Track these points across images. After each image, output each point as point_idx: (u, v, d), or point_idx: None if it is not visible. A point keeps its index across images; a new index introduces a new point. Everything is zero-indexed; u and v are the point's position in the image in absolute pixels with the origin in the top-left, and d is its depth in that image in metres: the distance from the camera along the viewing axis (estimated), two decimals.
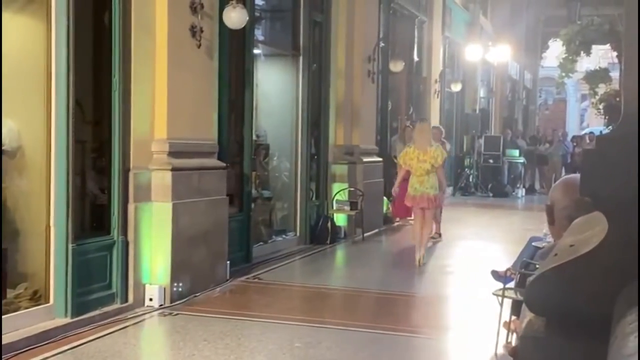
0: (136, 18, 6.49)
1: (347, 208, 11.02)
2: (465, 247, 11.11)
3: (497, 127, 24.18)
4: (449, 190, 9.98)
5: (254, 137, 9.35)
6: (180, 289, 6.88)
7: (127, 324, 6.19)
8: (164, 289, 6.74)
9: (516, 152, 20.70)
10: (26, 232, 6.05)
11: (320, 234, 10.50)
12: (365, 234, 11.13)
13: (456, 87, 18.65)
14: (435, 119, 15.98)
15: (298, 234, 10.38)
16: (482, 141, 20.26)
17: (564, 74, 20.08)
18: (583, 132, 26.51)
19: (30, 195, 6.07)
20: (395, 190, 9.85)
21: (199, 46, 7.07)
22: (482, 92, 23.07)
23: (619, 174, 1.55)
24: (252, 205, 8.93)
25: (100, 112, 6.58)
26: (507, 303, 5.23)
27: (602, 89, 19.50)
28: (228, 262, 7.75)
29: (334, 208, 11.04)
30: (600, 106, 18.70)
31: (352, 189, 11.26)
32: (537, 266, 3.58)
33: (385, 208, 12.78)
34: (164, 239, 6.75)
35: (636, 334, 1.24)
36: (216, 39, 7.48)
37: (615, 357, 1.26)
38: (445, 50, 18.09)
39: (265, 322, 6.37)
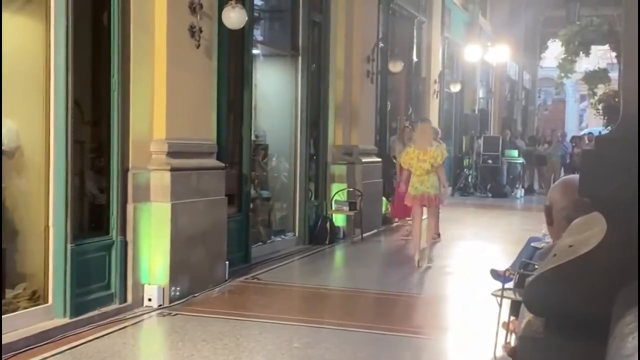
0: (135, 18, 6.49)
1: (346, 208, 11.02)
2: (464, 247, 11.12)
3: (496, 128, 24.20)
4: (448, 190, 10.02)
5: (253, 138, 9.35)
6: (179, 289, 6.88)
7: (126, 324, 6.19)
8: (163, 289, 6.74)
9: (515, 153, 20.71)
10: (25, 232, 6.05)
11: (319, 235, 10.50)
12: (364, 234, 11.14)
13: (455, 88, 18.67)
14: (434, 120, 15.94)
15: (297, 234, 10.38)
16: (481, 141, 20.29)
17: (563, 75, 20.09)
18: (582, 133, 26.53)
19: (29, 196, 6.07)
20: (401, 186, 9.82)
21: (198, 46, 7.07)
22: (481, 93, 23.08)
23: (618, 174, 1.55)
24: (251, 205, 8.93)
25: (99, 112, 6.58)
26: (506, 303, 5.23)
27: (601, 89, 19.51)
28: (227, 262, 7.75)
29: (333, 208, 11.04)
30: (599, 107, 18.71)
31: (351, 189, 11.26)
32: (536, 267, 3.58)
33: (384, 208, 12.78)
34: (163, 239, 6.75)
35: (635, 334, 1.24)
36: (215, 39, 7.48)
37: (614, 358, 1.26)
38: (444, 51, 18.10)
39: (264, 322, 6.36)
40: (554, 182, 3.11)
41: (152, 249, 6.72)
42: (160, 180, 6.78)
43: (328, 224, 10.64)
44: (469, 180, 19.52)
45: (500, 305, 5.32)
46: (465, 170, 19.66)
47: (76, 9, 5.85)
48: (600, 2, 18.05)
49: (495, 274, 5.70)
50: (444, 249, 10.01)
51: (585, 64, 22.80)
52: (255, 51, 9.58)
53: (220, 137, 7.87)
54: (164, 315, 6.53)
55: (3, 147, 5.81)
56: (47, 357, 5.25)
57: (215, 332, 5.98)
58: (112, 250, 6.40)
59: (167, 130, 6.83)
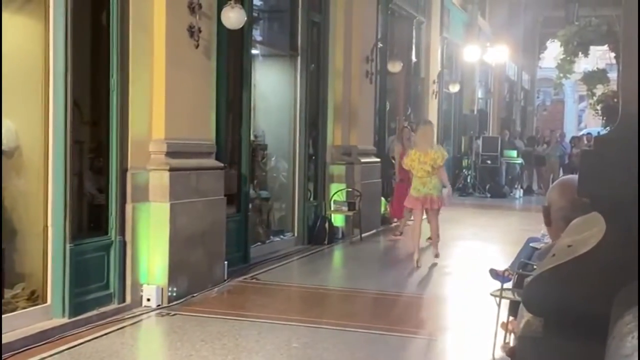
0: (134, 18, 6.49)
1: (345, 208, 11.02)
2: (463, 247, 11.12)
3: (495, 128, 24.20)
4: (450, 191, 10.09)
5: (252, 138, 9.35)
6: (177, 289, 6.88)
7: (124, 324, 6.19)
8: (162, 289, 6.74)
9: (514, 153, 20.72)
10: (24, 232, 6.04)
11: (318, 235, 10.50)
12: (363, 235, 11.13)
13: (454, 88, 18.67)
14: (433, 120, 15.94)
15: (296, 234, 10.37)
16: (480, 142, 20.29)
17: (561, 75, 20.11)
18: (581, 133, 26.55)
19: (27, 196, 6.07)
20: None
21: (197, 46, 7.07)
22: (480, 93, 23.09)
23: (617, 174, 1.55)
24: (250, 205, 8.93)
25: (98, 112, 6.58)
26: (505, 304, 5.23)
27: (599, 89, 19.53)
28: (226, 262, 7.75)
29: (332, 208, 11.04)
30: (598, 107, 18.73)
31: (350, 189, 11.26)
32: (535, 267, 3.58)
33: (383, 208, 12.79)
34: (162, 239, 6.75)
35: (634, 334, 1.24)
36: (214, 39, 7.47)
37: (613, 358, 1.26)
38: (443, 51, 18.10)
39: (262, 322, 6.36)
40: (552, 182, 3.12)
41: (150, 249, 6.72)
42: (159, 180, 6.77)
43: (327, 224, 10.64)
44: (468, 180, 19.53)
45: (499, 305, 5.32)
46: (464, 170, 19.67)
47: (75, 8, 5.85)
48: (599, 2, 18.07)
49: (494, 274, 5.70)
50: (442, 249, 9.96)
51: (584, 64, 22.82)
52: (254, 51, 9.58)
53: (219, 137, 7.86)
54: (162, 315, 6.53)
55: (2, 147, 5.81)
56: (45, 357, 5.25)
57: (214, 332, 5.97)
58: (110, 250, 6.40)
59: (166, 130, 6.83)
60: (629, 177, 1.51)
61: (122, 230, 6.47)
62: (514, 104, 28.55)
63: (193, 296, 7.05)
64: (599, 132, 16.52)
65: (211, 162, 7.52)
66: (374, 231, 11.92)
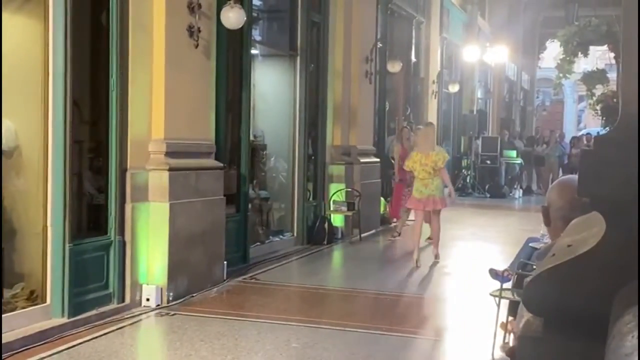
0: (134, 18, 6.49)
1: (344, 209, 11.02)
2: (463, 247, 11.12)
3: (495, 128, 24.20)
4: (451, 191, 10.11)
5: (252, 138, 9.35)
6: (177, 289, 6.87)
7: (124, 324, 6.19)
8: (161, 289, 6.74)
9: (513, 153, 20.72)
10: (23, 232, 6.04)
11: (318, 235, 10.50)
12: (363, 235, 11.13)
13: (454, 88, 18.67)
14: (432, 120, 15.97)
15: (295, 234, 10.37)
16: (479, 142, 20.29)
17: (561, 75, 20.08)
18: (580, 133, 26.54)
19: (27, 195, 6.07)
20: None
21: (197, 46, 7.07)
22: (479, 93, 23.08)
23: (617, 174, 1.55)
24: (249, 205, 8.93)
25: (97, 112, 6.58)
26: (505, 304, 5.24)
27: (599, 90, 19.50)
28: (225, 262, 7.74)
29: (331, 208, 11.04)
30: (598, 107, 18.70)
31: (349, 189, 11.26)
32: (534, 267, 3.58)
33: (382, 209, 12.78)
34: (161, 239, 6.74)
35: (634, 333, 1.24)
36: (214, 39, 7.48)
37: (613, 357, 1.26)
38: (442, 51, 18.11)
39: (262, 322, 6.36)
40: (552, 182, 3.12)
41: (150, 249, 6.72)
42: (158, 180, 6.77)
43: (326, 224, 10.64)
44: (467, 180, 19.53)
45: (498, 305, 5.32)
46: (463, 170, 19.67)
47: (75, 8, 5.85)
48: (599, 2, 18.07)
49: (493, 274, 5.70)
50: (442, 249, 9.96)
51: (583, 64, 22.81)
52: (254, 51, 9.58)
53: (218, 137, 7.87)
54: (162, 315, 6.53)
55: (2, 147, 5.80)
56: (44, 357, 5.25)
57: (213, 332, 5.97)
58: (110, 250, 6.40)
59: (166, 130, 6.83)
60: (629, 177, 1.51)
61: (121, 230, 6.47)
62: (514, 104, 28.55)
63: (192, 296, 7.05)
64: (598, 132, 16.52)
65: (210, 162, 7.52)
66: (373, 231, 11.92)
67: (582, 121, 38.27)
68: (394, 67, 13.48)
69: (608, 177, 1.57)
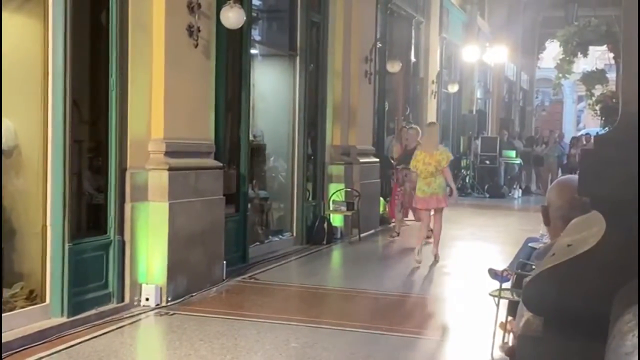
0: (133, 17, 6.49)
1: (344, 208, 11.03)
2: (462, 247, 11.12)
3: (494, 128, 24.20)
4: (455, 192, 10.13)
5: (251, 137, 9.35)
6: (176, 289, 6.87)
7: (123, 323, 6.19)
8: (160, 288, 6.74)
9: (513, 153, 20.73)
10: (23, 231, 6.04)
11: (317, 235, 10.50)
12: (362, 235, 11.14)
13: (453, 88, 18.67)
14: (431, 120, 15.98)
15: (294, 234, 10.37)
16: (478, 142, 20.30)
17: (560, 75, 20.08)
18: (579, 134, 26.55)
19: (26, 195, 6.06)
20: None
21: (196, 46, 7.07)
22: (479, 93, 23.08)
23: (617, 174, 1.55)
24: (249, 205, 8.93)
25: (97, 111, 6.58)
26: (504, 303, 5.24)
27: (598, 90, 19.49)
28: (224, 262, 7.74)
29: (331, 208, 11.04)
30: (597, 107, 18.69)
31: (348, 189, 11.26)
32: (533, 267, 3.59)
33: (382, 208, 12.78)
34: (161, 239, 6.74)
35: (634, 332, 1.24)
36: (213, 39, 7.47)
37: (613, 356, 1.26)
38: (442, 51, 18.11)
39: (261, 322, 6.36)
40: (551, 182, 3.13)
41: (149, 248, 6.72)
42: (158, 179, 6.77)
43: (325, 224, 10.64)
44: (467, 180, 19.54)
45: (497, 305, 5.33)
46: (462, 170, 19.67)
47: (74, 8, 5.85)
48: (599, 2, 18.08)
49: (493, 274, 5.71)
50: (441, 249, 9.97)
51: (583, 64, 22.81)
52: (253, 51, 9.58)
53: (218, 136, 7.86)
54: (161, 315, 6.53)
55: (1, 147, 5.80)
56: (44, 357, 5.24)
57: (213, 331, 5.97)
58: (109, 250, 6.40)
59: (165, 129, 6.83)
60: (629, 176, 1.51)
61: (121, 230, 6.47)
62: (513, 104, 28.54)
63: (192, 296, 7.05)
64: (597, 133, 16.53)
65: (210, 161, 7.52)
66: (372, 231, 11.92)
67: (582, 121, 38.27)
68: (394, 67, 13.48)
69: (608, 176, 1.57)
